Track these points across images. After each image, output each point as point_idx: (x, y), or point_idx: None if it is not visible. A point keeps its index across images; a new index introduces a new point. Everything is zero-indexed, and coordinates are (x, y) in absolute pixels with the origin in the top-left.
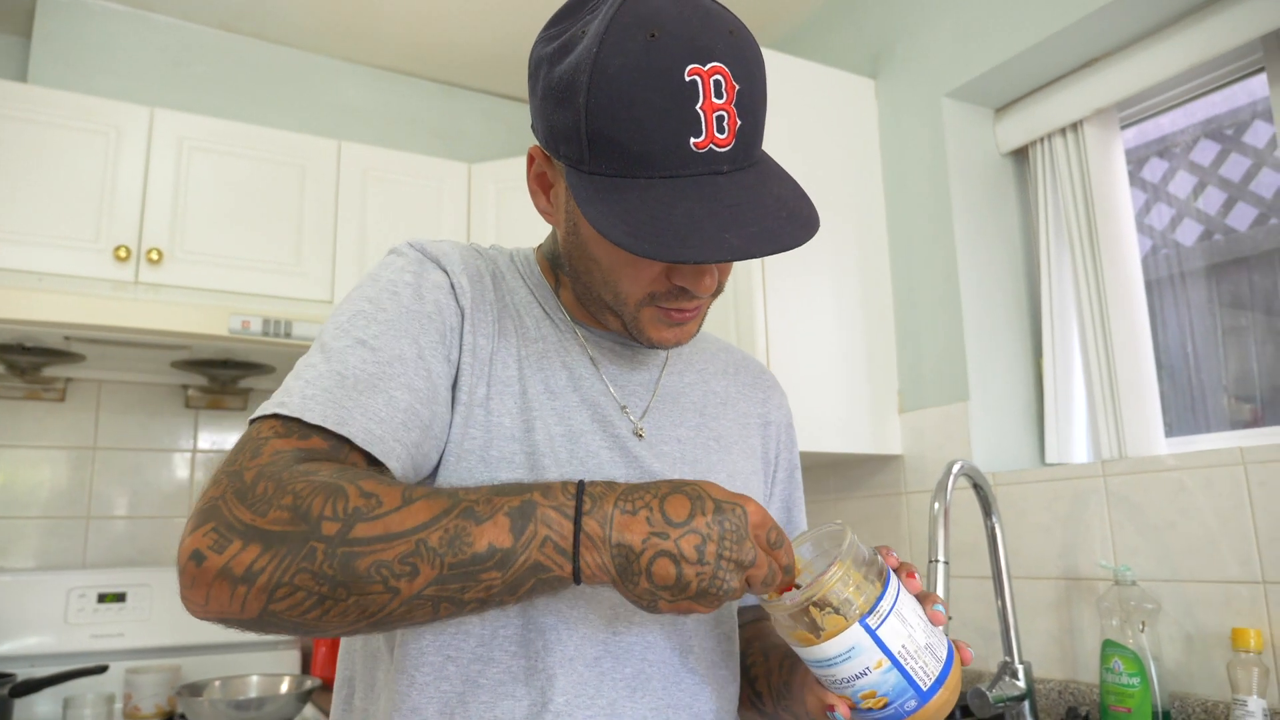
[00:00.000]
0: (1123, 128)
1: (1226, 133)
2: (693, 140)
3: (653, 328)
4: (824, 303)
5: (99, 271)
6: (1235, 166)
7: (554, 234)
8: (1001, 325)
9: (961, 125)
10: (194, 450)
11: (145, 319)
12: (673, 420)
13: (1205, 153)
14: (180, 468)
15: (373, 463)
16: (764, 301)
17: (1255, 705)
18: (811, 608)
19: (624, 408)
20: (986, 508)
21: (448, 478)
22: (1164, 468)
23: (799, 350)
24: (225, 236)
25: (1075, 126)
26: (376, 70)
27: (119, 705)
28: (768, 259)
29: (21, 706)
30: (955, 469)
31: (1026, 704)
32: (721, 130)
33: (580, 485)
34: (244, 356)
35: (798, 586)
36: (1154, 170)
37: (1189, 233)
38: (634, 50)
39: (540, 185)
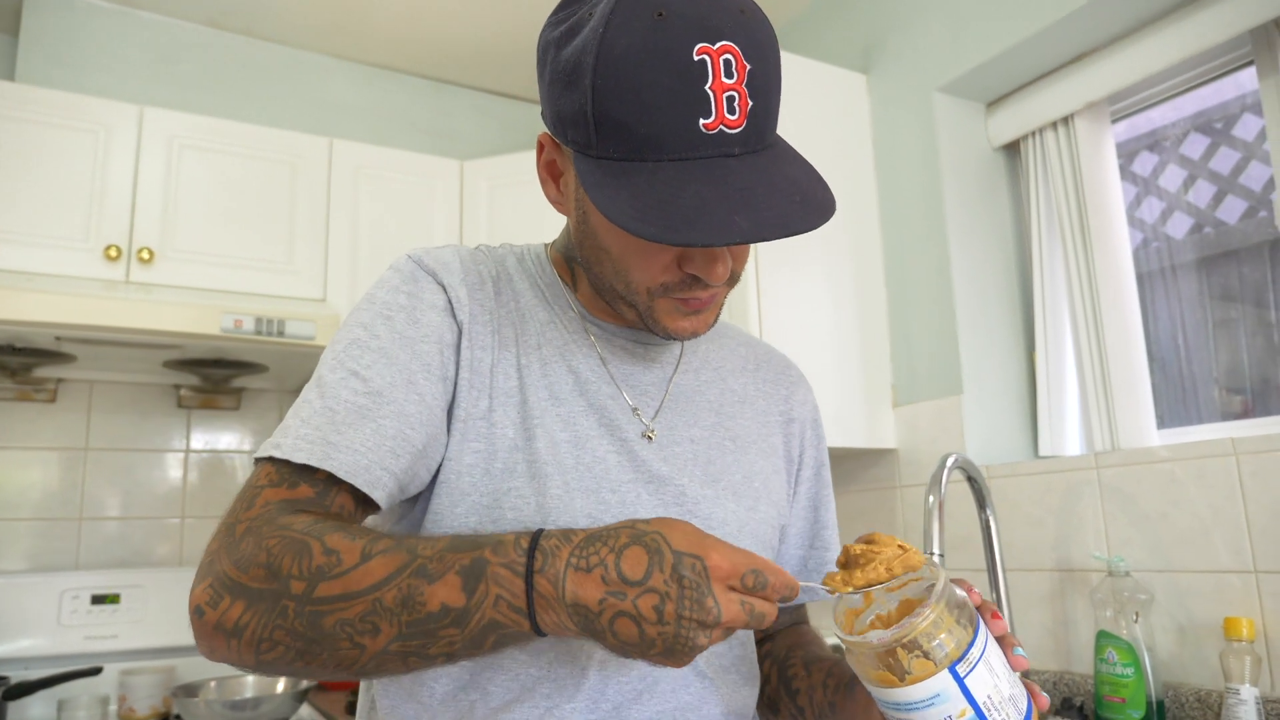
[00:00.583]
0: (1113, 121)
1: (1216, 126)
2: (702, 121)
3: (668, 318)
4: (817, 297)
5: (89, 271)
6: (1225, 160)
7: (567, 226)
8: (994, 319)
9: (953, 120)
10: (187, 450)
11: (136, 319)
12: (686, 420)
13: (1195, 146)
14: (173, 468)
15: (361, 498)
16: (758, 296)
17: (1248, 694)
18: (899, 649)
19: (635, 410)
20: (980, 500)
21: (452, 495)
22: (1156, 459)
23: (792, 345)
24: (216, 235)
25: (1066, 120)
26: (368, 67)
27: (114, 707)
28: (762, 252)
29: (15, 710)
30: (949, 462)
31: None
32: (732, 111)
33: (534, 539)
34: (236, 356)
35: (878, 621)
36: (1144, 164)
37: (1179, 226)
38: (641, 30)
39: (550, 174)
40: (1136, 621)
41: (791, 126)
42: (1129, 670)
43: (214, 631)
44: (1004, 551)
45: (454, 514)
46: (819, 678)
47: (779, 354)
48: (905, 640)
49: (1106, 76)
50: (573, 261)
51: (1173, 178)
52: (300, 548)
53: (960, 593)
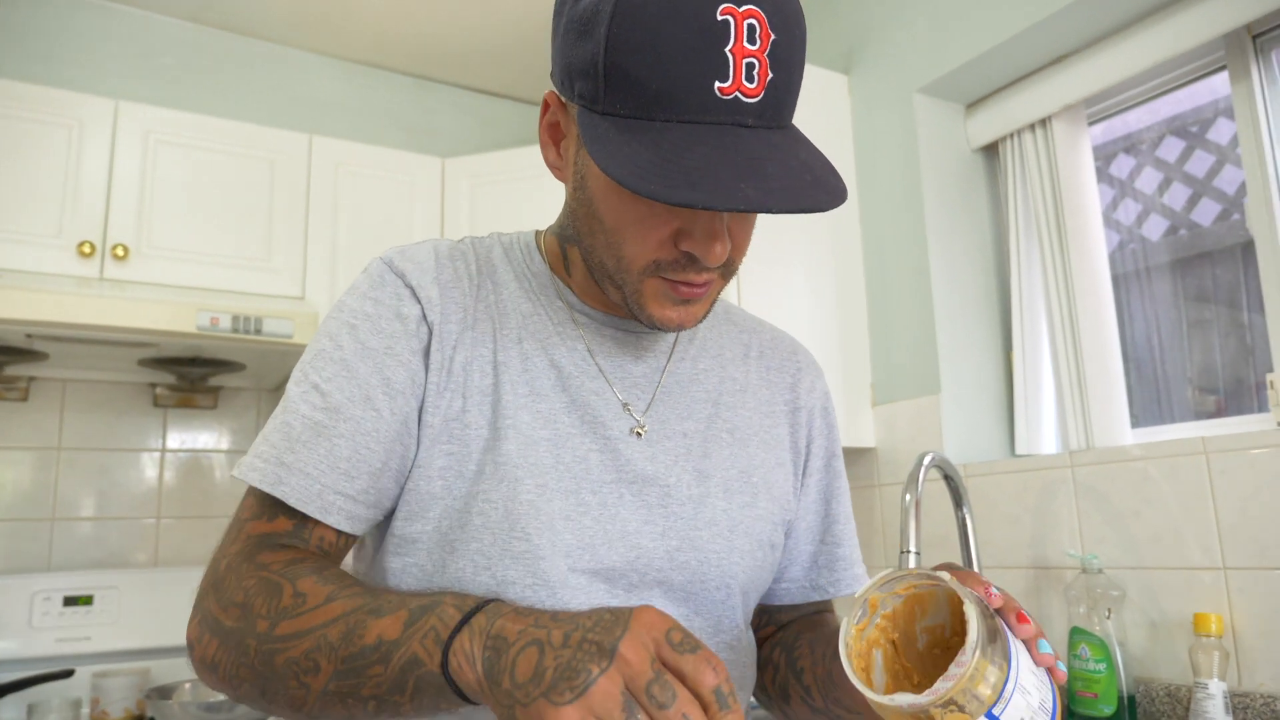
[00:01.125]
0: (1090, 124)
1: (1191, 130)
2: (718, 85)
3: (655, 303)
4: (798, 296)
5: (62, 268)
6: (1200, 163)
7: (564, 204)
8: (972, 319)
9: (933, 120)
10: (163, 450)
11: (111, 316)
12: (679, 413)
13: (1171, 149)
14: (149, 468)
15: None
16: (738, 295)
17: (1216, 688)
18: (934, 709)
19: (626, 405)
20: (957, 499)
21: (422, 500)
22: (1129, 458)
23: None
24: (193, 232)
25: (1044, 122)
26: (348, 63)
27: (86, 710)
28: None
29: None
30: (926, 461)
31: None
32: (750, 79)
33: (499, 601)
34: (213, 354)
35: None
36: (1122, 166)
37: (1156, 228)
38: None
39: (551, 136)
40: (1109, 618)
41: None
42: (1101, 666)
43: (200, 665)
44: (980, 549)
45: (425, 518)
46: (821, 651)
47: (787, 338)
48: (942, 701)
49: (1083, 79)
50: (567, 243)
51: (1149, 180)
52: (273, 588)
53: (990, 619)
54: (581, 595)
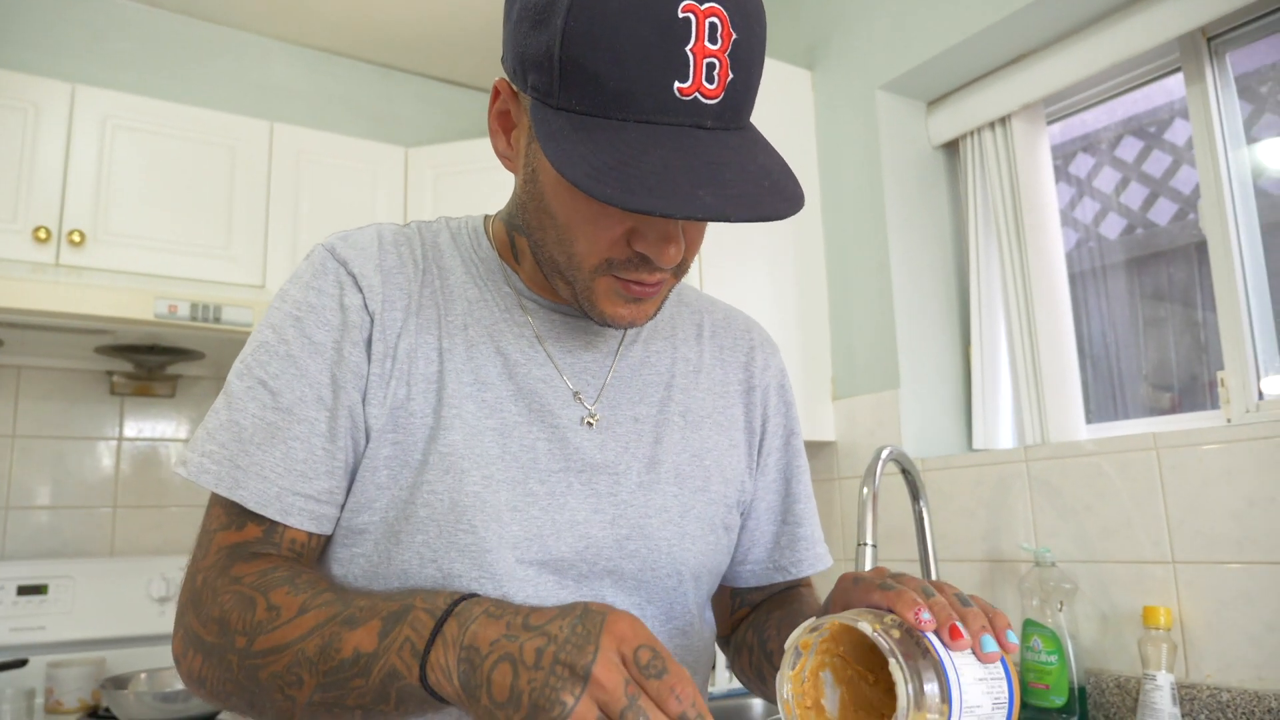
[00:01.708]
0: (1049, 123)
1: (1149, 130)
2: (677, 85)
3: (606, 301)
4: (759, 290)
5: (17, 253)
6: (1157, 163)
7: (515, 190)
8: (931, 315)
9: (895, 117)
10: (119, 439)
11: (66, 302)
12: (631, 398)
13: (1129, 149)
14: (105, 456)
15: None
16: (700, 288)
17: (1164, 680)
18: None
19: (576, 394)
20: (915, 492)
21: (368, 491)
22: (1083, 453)
23: None
24: (151, 218)
25: (1004, 121)
26: (310, 50)
27: (40, 700)
28: (705, 243)
29: None
30: (884, 455)
31: None
32: (710, 80)
33: (471, 595)
34: (171, 342)
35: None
36: (1081, 165)
37: (1114, 226)
38: None
39: (501, 125)
40: (1061, 610)
41: None
42: (1053, 658)
43: (187, 679)
44: (936, 542)
45: (371, 509)
46: (789, 629)
47: (741, 316)
48: None
49: (1042, 79)
50: (515, 231)
51: (1108, 179)
52: (247, 602)
53: (924, 654)
54: (529, 587)
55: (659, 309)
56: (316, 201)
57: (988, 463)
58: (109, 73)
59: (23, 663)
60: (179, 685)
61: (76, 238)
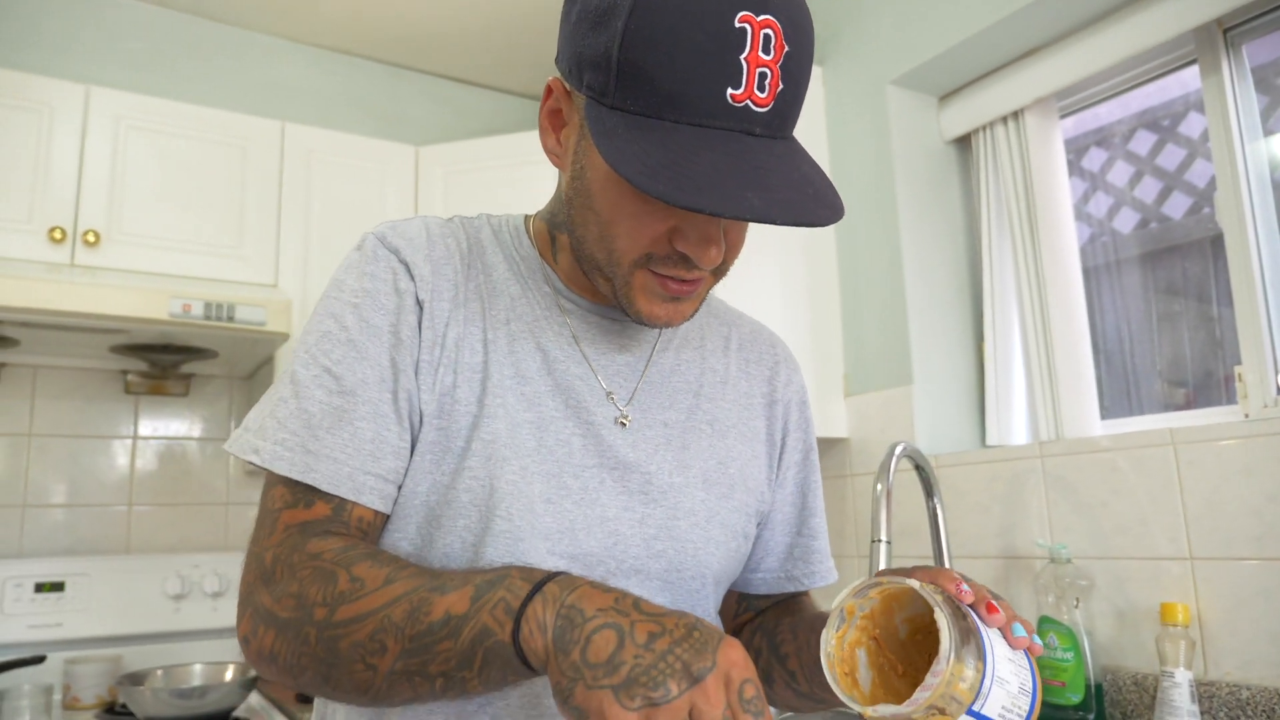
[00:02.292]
0: (1062, 117)
1: (1163, 124)
2: (730, 91)
3: (644, 298)
4: (771, 287)
5: (32, 254)
6: (1171, 156)
7: (557, 189)
8: (944, 310)
9: (906, 112)
10: (134, 437)
11: (82, 302)
12: (661, 403)
13: (1142, 143)
14: (120, 455)
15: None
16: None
17: (1182, 677)
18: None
19: (610, 394)
20: (928, 489)
21: (414, 474)
22: (1098, 449)
23: None
24: (165, 218)
25: (1016, 115)
26: (321, 50)
27: (58, 696)
28: None
29: None
30: (897, 451)
31: None
32: (762, 89)
33: (566, 573)
34: (185, 341)
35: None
36: (1094, 159)
37: (1127, 221)
38: None
39: (551, 123)
40: (1077, 607)
41: None
42: (1069, 655)
43: (257, 659)
44: (950, 539)
45: (416, 493)
46: (805, 637)
47: (766, 331)
48: (921, 709)
49: (1055, 72)
50: (556, 230)
51: (1121, 173)
52: (327, 575)
53: (960, 623)
54: None
55: (696, 310)
56: (327, 200)
57: (1002, 459)
58: (122, 74)
59: (41, 659)
60: (196, 682)
61: (91, 238)
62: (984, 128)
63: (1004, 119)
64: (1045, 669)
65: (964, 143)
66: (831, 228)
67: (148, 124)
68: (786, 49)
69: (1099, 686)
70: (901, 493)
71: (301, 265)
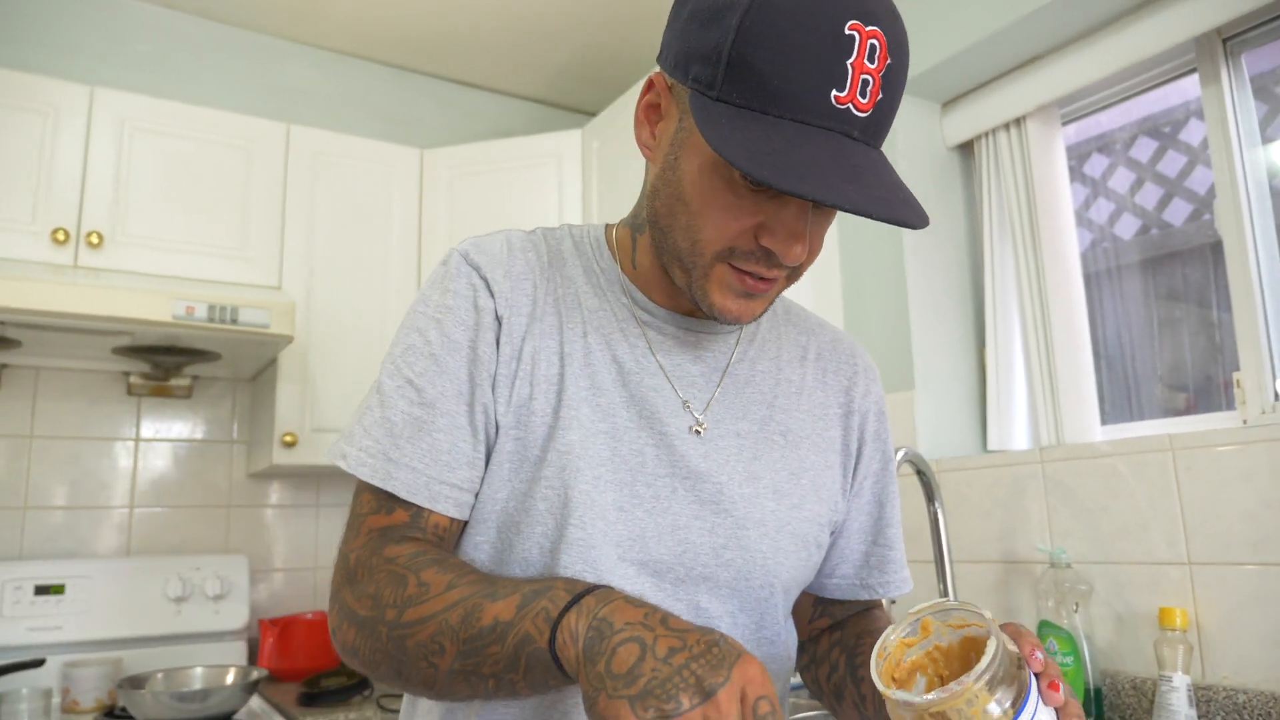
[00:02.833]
0: (1064, 124)
1: (1164, 131)
2: (835, 93)
3: (719, 291)
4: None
5: (36, 255)
6: (1171, 163)
7: (642, 193)
8: (946, 316)
9: (909, 118)
10: (136, 439)
11: (84, 304)
12: (735, 413)
13: (1143, 150)
14: (122, 457)
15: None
16: None
17: (1180, 681)
18: (928, 715)
19: (686, 403)
20: (929, 494)
21: (492, 483)
22: (1098, 454)
23: None
24: (169, 220)
25: (1018, 122)
26: (326, 52)
27: (57, 700)
28: None
29: None
30: (899, 456)
31: None
32: (864, 95)
33: (607, 587)
34: (188, 343)
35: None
36: (1096, 166)
37: (1128, 227)
38: None
39: (648, 117)
40: (1076, 611)
41: None
42: (1069, 659)
43: (343, 650)
44: (951, 543)
45: (495, 500)
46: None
47: (848, 340)
48: (933, 711)
49: (1057, 80)
50: (638, 231)
51: (1122, 180)
52: (399, 578)
53: (1010, 664)
54: (629, 586)
55: (766, 309)
56: (332, 203)
57: (1003, 464)
58: (127, 75)
59: (40, 662)
60: (197, 685)
61: (95, 239)
62: (986, 134)
63: (1006, 125)
64: None
65: (966, 149)
66: (833, 233)
67: (152, 125)
68: (889, 61)
69: (1098, 690)
70: (903, 497)
71: (306, 268)
